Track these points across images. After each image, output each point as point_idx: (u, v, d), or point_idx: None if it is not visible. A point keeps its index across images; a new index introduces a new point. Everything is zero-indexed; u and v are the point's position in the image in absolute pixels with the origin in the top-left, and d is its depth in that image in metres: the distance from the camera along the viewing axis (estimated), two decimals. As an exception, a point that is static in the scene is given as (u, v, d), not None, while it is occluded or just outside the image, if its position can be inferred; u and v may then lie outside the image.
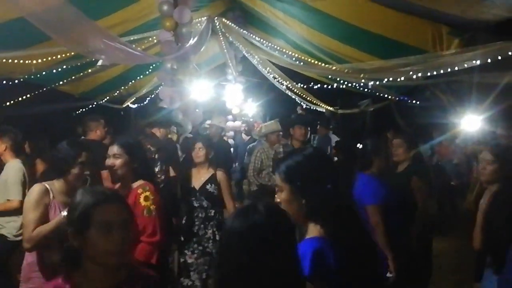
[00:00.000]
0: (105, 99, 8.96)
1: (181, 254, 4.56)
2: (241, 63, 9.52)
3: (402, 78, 5.22)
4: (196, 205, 4.55)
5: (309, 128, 5.42)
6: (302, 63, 6.91)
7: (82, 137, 5.64)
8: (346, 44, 6.19)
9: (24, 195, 4.37)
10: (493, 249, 2.98)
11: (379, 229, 3.57)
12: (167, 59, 5.80)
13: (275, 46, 7.08)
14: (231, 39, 7.66)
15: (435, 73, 4.73)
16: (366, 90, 8.30)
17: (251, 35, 7.21)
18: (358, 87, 8.19)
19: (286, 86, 9.90)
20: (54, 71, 5.99)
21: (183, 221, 4.62)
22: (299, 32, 6.67)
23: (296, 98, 11.00)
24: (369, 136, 4.58)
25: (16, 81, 6.00)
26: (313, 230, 1.83)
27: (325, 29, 6.13)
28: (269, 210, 1.53)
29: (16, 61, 5.09)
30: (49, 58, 5.49)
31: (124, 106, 9.78)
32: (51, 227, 2.77)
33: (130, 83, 8.74)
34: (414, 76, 4.94)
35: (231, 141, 9.56)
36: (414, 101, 8.50)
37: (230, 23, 7.33)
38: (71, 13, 3.30)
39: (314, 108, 11.96)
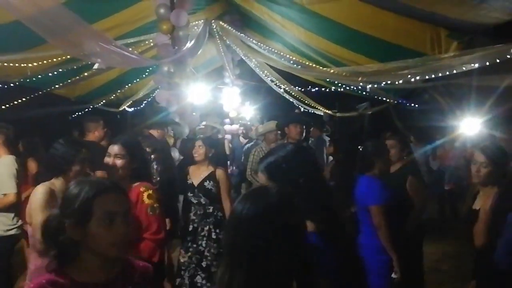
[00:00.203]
0: (102, 103, 8.95)
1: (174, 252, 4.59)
2: (239, 66, 9.53)
3: (401, 81, 5.23)
4: (194, 201, 4.58)
5: (304, 127, 5.38)
6: (299, 66, 6.92)
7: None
8: (344, 47, 6.20)
9: (18, 189, 4.40)
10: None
11: (382, 230, 3.59)
12: (164, 62, 5.79)
13: (273, 49, 7.08)
14: (228, 42, 7.67)
15: (433, 76, 4.73)
16: (364, 93, 8.32)
17: (249, 38, 7.22)
18: (356, 90, 8.21)
19: (284, 89, 9.92)
20: (50, 74, 5.99)
21: (180, 219, 4.65)
22: (297, 35, 6.68)
23: (294, 101, 11.02)
24: (369, 139, 4.59)
25: (12, 85, 6.00)
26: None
27: (323, 32, 6.13)
28: (279, 191, 1.52)
29: (11, 64, 5.08)
30: (45, 62, 5.48)
31: (120, 109, 9.77)
32: None
33: (127, 86, 8.74)
34: (413, 79, 4.95)
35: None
36: (412, 104, 8.51)
37: (227, 26, 7.34)
38: (67, 16, 3.30)
39: (312, 112, 11.99)
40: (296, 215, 1.50)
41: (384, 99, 8.79)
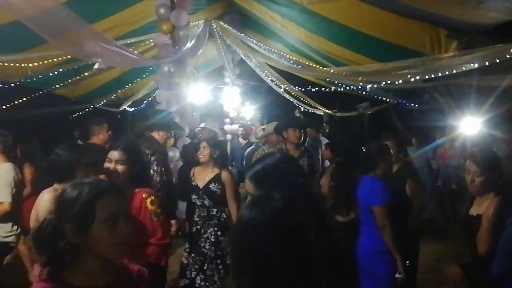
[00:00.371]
0: (102, 103, 8.96)
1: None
2: (239, 66, 9.54)
3: (401, 81, 5.22)
4: (198, 203, 4.57)
5: (303, 131, 5.36)
6: (300, 66, 6.93)
7: (79, 141, 5.62)
8: (344, 47, 6.20)
9: (14, 198, 4.33)
10: None
11: (386, 230, 3.61)
12: (164, 62, 5.80)
13: (273, 49, 7.09)
14: (228, 42, 7.67)
15: (433, 76, 4.73)
16: (364, 93, 8.32)
17: (249, 38, 7.22)
18: (356, 90, 8.21)
19: (284, 89, 9.92)
20: (50, 74, 6.00)
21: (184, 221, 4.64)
22: (297, 35, 6.69)
23: (294, 101, 11.02)
24: (369, 139, 4.62)
25: (12, 85, 6.00)
26: None
27: (323, 32, 6.14)
28: (285, 196, 1.53)
29: (12, 64, 5.09)
30: (45, 62, 5.49)
31: (121, 109, 9.78)
32: None
33: (127, 86, 8.75)
34: (412, 79, 4.94)
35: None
36: (412, 104, 8.51)
37: (227, 26, 7.35)
38: (67, 16, 3.30)
39: (313, 111, 11.99)
40: (303, 221, 1.51)
41: (384, 99, 8.80)
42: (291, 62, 6.88)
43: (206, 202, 4.52)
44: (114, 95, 8.93)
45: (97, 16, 5.42)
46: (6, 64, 5.01)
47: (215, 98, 9.43)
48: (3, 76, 5.74)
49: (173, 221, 4.75)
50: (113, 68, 7.09)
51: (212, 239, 4.45)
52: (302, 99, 10.67)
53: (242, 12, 7.74)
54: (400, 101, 8.61)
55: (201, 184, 4.57)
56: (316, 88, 9.74)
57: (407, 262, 3.71)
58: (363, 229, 3.88)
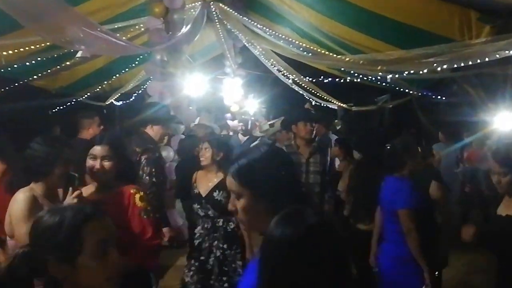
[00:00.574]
0: (86, 95, 8.97)
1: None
2: (241, 54, 9.55)
3: (425, 71, 5.22)
4: (201, 214, 4.54)
5: (315, 125, 5.36)
6: (310, 54, 6.92)
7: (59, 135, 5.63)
8: (360, 31, 6.19)
9: None
10: None
11: (412, 236, 3.63)
12: (156, 49, 5.81)
13: (280, 35, 7.08)
14: (229, 26, 7.68)
15: (462, 64, 4.72)
16: (384, 84, 8.30)
17: (252, 22, 7.22)
18: (375, 81, 8.19)
19: (293, 80, 9.91)
20: (28, 63, 6.01)
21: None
22: (307, 18, 6.68)
23: (304, 94, 11.01)
24: (389, 136, 4.62)
25: (-16, 75, 6.02)
26: None
27: (336, 15, 6.13)
28: (316, 213, 1.55)
29: (-17, 52, 5.10)
30: (22, 49, 5.50)
31: (107, 103, 9.80)
32: None
33: (114, 77, 8.77)
34: (439, 68, 4.94)
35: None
36: (439, 97, 8.49)
37: (227, 9, 7.34)
38: (46, -2, 3.31)
39: (325, 105, 11.97)
40: (341, 238, 1.53)
41: (407, 91, 8.78)
42: (301, 49, 6.87)
43: (210, 213, 4.48)
44: (100, 87, 8.95)
45: (80, -2, 5.43)
46: (-23, 52, 5.04)
47: (214, 90, 9.44)
48: (-26, 66, 5.76)
49: (165, 229, 4.73)
50: (98, 57, 7.11)
51: (218, 254, 4.42)
52: (313, 91, 10.66)
53: (244, -7, 7.76)
54: (424, 93, 8.58)
55: (203, 192, 4.54)
56: (329, 79, 9.73)
57: (436, 273, 3.72)
58: (387, 235, 3.89)
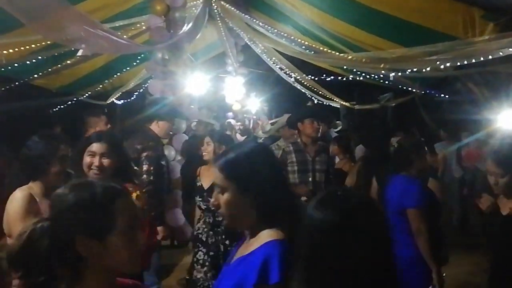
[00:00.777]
0: (87, 94, 8.98)
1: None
2: (243, 52, 9.52)
3: (428, 69, 5.20)
4: (203, 207, 4.57)
5: (320, 123, 5.35)
6: (313, 52, 6.90)
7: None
8: (363, 29, 6.19)
9: None
10: None
11: (421, 236, 3.63)
12: (158, 48, 5.81)
13: (282, 33, 7.07)
14: (231, 24, 7.67)
15: (466, 62, 4.71)
16: (386, 82, 8.29)
17: (254, 20, 7.21)
18: (377, 79, 8.18)
19: (295, 78, 9.91)
20: (28, 62, 6.01)
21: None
22: (309, 17, 6.67)
23: (306, 92, 11.01)
24: (402, 134, 4.65)
25: (-16, 75, 6.02)
26: (268, 234, 1.84)
27: (339, 13, 6.13)
28: (358, 194, 1.59)
29: (-17, 51, 5.10)
30: (22, 48, 5.50)
31: (108, 102, 9.80)
32: None
33: (115, 76, 8.77)
34: (442, 66, 4.92)
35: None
36: (442, 95, 8.48)
37: (229, 7, 7.33)
38: (47, -4, 3.31)
39: (328, 104, 11.97)
40: (383, 220, 1.54)
41: (410, 89, 8.76)
42: (303, 47, 6.86)
43: (212, 206, 4.50)
44: (101, 85, 8.95)
45: (81, -4, 5.43)
46: (-23, 51, 5.04)
47: (216, 89, 9.43)
48: (-26, 64, 5.76)
49: (159, 228, 4.72)
50: (99, 55, 7.10)
51: (222, 249, 4.42)
52: (315, 89, 10.65)
53: (246, -10, 7.75)
54: (428, 91, 8.57)
55: (206, 185, 4.59)
56: (332, 77, 9.73)
57: (444, 274, 3.72)
58: (394, 235, 3.89)
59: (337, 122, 12.05)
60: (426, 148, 4.43)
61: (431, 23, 5.23)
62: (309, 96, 11.26)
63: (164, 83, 5.97)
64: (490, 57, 4.35)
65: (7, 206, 2.91)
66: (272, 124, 8.94)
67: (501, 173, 3.07)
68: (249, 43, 8.45)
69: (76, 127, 6.01)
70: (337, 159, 6.66)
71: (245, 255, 1.86)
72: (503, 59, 4.40)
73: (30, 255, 1.45)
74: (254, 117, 10.47)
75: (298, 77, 9.69)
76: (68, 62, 6.79)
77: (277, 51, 8.19)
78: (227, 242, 4.41)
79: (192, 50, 7.48)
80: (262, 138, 9.07)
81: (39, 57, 5.97)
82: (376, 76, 7.88)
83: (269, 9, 7.68)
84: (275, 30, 7.08)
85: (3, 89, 6.77)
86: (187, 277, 4.73)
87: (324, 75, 9.75)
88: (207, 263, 4.48)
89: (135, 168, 4.55)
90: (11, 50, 5.38)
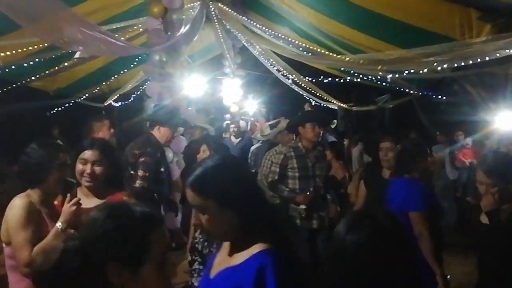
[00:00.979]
0: (84, 97, 8.97)
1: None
2: (240, 54, 9.53)
3: (426, 70, 5.21)
4: None
5: (321, 127, 5.34)
6: (310, 54, 6.91)
7: (58, 140, 5.61)
8: (361, 31, 6.19)
9: None
10: None
11: (424, 239, 3.62)
12: (155, 50, 5.80)
13: (279, 35, 7.07)
14: (228, 26, 7.67)
15: (463, 63, 4.72)
16: (384, 84, 8.30)
17: (252, 22, 7.21)
18: (375, 81, 8.19)
19: (292, 80, 9.90)
20: (25, 64, 6.00)
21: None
22: (307, 18, 6.68)
23: (304, 94, 11.01)
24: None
25: (-19, 77, 6.02)
26: (254, 244, 1.82)
27: (336, 15, 6.13)
28: (388, 216, 1.60)
29: (-20, 54, 5.10)
30: (19, 50, 5.50)
31: (105, 104, 9.79)
32: (50, 243, 2.72)
33: (113, 78, 8.76)
34: (439, 68, 4.94)
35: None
36: (439, 96, 8.49)
37: (227, 9, 7.34)
38: (44, -1, 3.31)
39: (325, 105, 11.97)
40: (409, 240, 1.56)
41: (407, 90, 8.78)
42: (300, 49, 6.86)
43: None
44: (98, 88, 8.94)
45: (78, -2, 5.43)
46: (-26, 53, 5.04)
47: (213, 91, 9.43)
48: (-29, 67, 5.76)
49: None
50: (97, 58, 7.10)
51: None
52: (313, 91, 10.64)
53: (243, -8, 7.75)
54: (425, 93, 8.58)
55: None
56: (329, 79, 9.73)
57: (448, 276, 3.71)
58: None
59: (333, 121, 12.07)
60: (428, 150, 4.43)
61: (428, 24, 5.24)
62: (306, 97, 11.26)
63: (162, 85, 5.97)
64: (487, 58, 4.36)
65: (7, 214, 2.88)
66: (270, 126, 8.93)
67: (491, 184, 3.05)
68: (246, 45, 8.45)
69: (74, 129, 5.99)
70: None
71: (233, 266, 1.83)
72: (500, 60, 4.41)
73: (60, 276, 1.39)
74: (252, 119, 10.48)
75: (296, 79, 9.69)
76: (66, 64, 6.79)
77: (274, 53, 8.19)
78: None
79: (189, 52, 7.47)
80: (260, 141, 9.06)
81: (37, 60, 5.97)
82: (373, 78, 7.88)
83: (266, 11, 7.69)
84: (273, 32, 7.08)
85: (0, 91, 6.76)
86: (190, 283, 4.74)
87: (322, 76, 9.76)
88: (201, 273, 4.48)
89: (131, 172, 4.55)
90: (8, 53, 5.38)
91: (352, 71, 7.84)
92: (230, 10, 7.32)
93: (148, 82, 6.57)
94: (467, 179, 8.06)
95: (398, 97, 10.20)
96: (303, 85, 10.12)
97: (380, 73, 6.49)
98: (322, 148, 5.47)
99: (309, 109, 11.37)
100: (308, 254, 5.06)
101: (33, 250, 2.74)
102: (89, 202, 2.99)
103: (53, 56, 6.15)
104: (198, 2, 7.01)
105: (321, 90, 10.61)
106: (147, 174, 4.56)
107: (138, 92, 9.66)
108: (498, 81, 6.21)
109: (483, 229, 3.17)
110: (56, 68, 6.88)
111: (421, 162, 3.92)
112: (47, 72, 6.97)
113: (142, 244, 1.41)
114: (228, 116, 9.86)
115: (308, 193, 5.01)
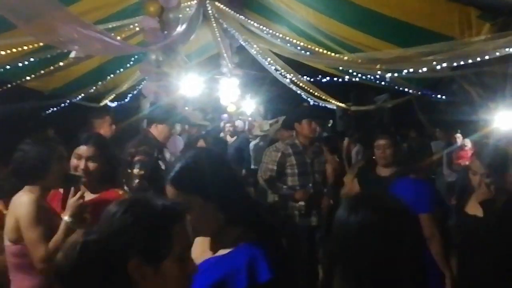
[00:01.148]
0: (80, 97, 8.95)
1: None
2: (238, 53, 9.53)
3: (425, 69, 5.22)
4: None
5: (318, 123, 5.33)
6: (308, 53, 6.91)
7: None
8: (359, 30, 6.20)
9: None
10: None
11: (436, 241, 3.58)
12: (152, 49, 5.80)
13: (277, 34, 7.08)
14: (225, 25, 7.67)
15: (462, 63, 4.73)
16: (383, 83, 8.31)
17: (249, 21, 7.21)
18: (373, 80, 8.20)
19: (290, 79, 9.92)
20: (20, 64, 5.99)
21: None
22: (305, 17, 6.68)
23: (302, 94, 11.02)
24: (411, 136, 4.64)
25: (-25, 77, 6.00)
26: (240, 235, 1.82)
27: (334, 14, 6.13)
28: (391, 196, 1.63)
29: (-26, 53, 5.08)
30: (14, 50, 5.48)
31: (102, 104, 9.78)
32: (62, 237, 2.73)
33: (109, 77, 8.74)
34: (439, 67, 4.94)
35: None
36: (438, 96, 8.50)
37: (224, 7, 7.34)
38: (39, -2, 3.30)
39: (324, 105, 11.99)
40: (415, 221, 1.57)
41: (406, 90, 8.79)
42: (299, 48, 6.87)
43: None
44: (94, 88, 8.92)
45: (74, -3, 5.42)
46: (-32, 53, 5.02)
47: (211, 90, 9.42)
48: (-35, 67, 5.74)
49: None
50: (93, 57, 7.08)
51: None
52: (311, 91, 10.66)
53: (241, -9, 7.75)
54: (424, 92, 8.59)
55: None
56: (328, 78, 9.74)
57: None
58: None
59: (329, 120, 12.09)
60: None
61: (427, 23, 5.25)
62: (304, 97, 11.28)
63: (158, 84, 5.96)
64: (486, 57, 4.37)
65: (14, 212, 2.84)
66: (271, 124, 8.94)
67: (486, 174, 3.06)
68: (244, 44, 8.45)
69: (70, 130, 5.95)
70: None
71: (218, 257, 1.82)
72: (499, 59, 4.41)
73: (79, 270, 1.34)
74: (250, 118, 10.48)
75: (294, 78, 9.70)
76: (61, 64, 6.77)
77: (272, 52, 8.19)
78: None
79: (186, 51, 7.47)
80: (259, 137, 9.07)
81: (32, 59, 5.95)
82: (372, 77, 7.89)
83: (264, 9, 7.69)
84: (270, 31, 7.09)
85: (-5, 91, 6.75)
86: None
87: (320, 76, 9.77)
88: None
89: (129, 170, 4.53)
90: (3, 52, 5.36)
91: (350, 71, 7.85)
92: (227, 9, 7.32)
93: (145, 81, 6.56)
94: (463, 181, 8.04)
95: (397, 96, 10.23)
96: (301, 84, 10.14)
97: (379, 72, 6.50)
98: (319, 144, 5.47)
99: (305, 104, 11.41)
100: (307, 251, 5.07)
101: (49, 245, 2.74)
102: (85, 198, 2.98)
103: (49, 56, 6.14)
104: (195, 1, 7.01)
105: (319, 90, 10.63)
106: (142, 173, 4.53)
107: (135, 92, 9.66)
108: (497, 81, 6.21)
109: (470, 220, 3.16)
110: (52, 67, 6.85)
111: (426, 162, 3.90)
112: (42, 72, 6.95)
113: (163, 239, 1.38)
114: (225, 115, 9.86)
115: (307, 189, 5.01)
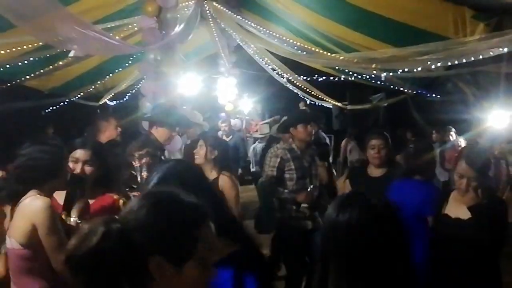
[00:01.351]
0: (79, 96, 8.95)
1: None
2: (235, 53, 9.53)
3: (420, 69, 5.23)
4: None
5: (313, 125, 5.33)
6: (305, 53, 6.92)
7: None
8: (355, 30, 6.20)
9: None
10: None
11: None
12: (150, 49, 5.80)
13: (274, 34, 7.08)
14: (223, 25, 7.66)
15: (457, 62, 4.74)
16: (378, 82, 8.32)
17: (247, 20, 7.21)
18: (369, 79, 8.21)
19: (287, 79, 9.92)
20: (20, 64, 5.98)
21: None
22: (302, 17, 6.68)
23: (299, 93, 11.02)
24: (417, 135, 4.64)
25: (-25, 76, 6.00)
26: (224, 246, 1.77)
27: (330, 14, 6.14)
28: (379, 197, 1.63)
29: (-26, 53, 5.08)
30: (14, 49, 5.48)
31: (100, 103, 9.77)
32: None
33: (108, 77, 8.74)
34: (433, 66, 4.95)
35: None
36: (433, 95, 8.51)
37: (221, 7, 7.33)
38: (38, -3, 3.30)
39: (320, 104, 11.99)
40: (400, 222, 1.58)
41: (401, 89, 8.80)
42: (295, 48, 6.87)
43: None
44: (93, 87, 8.92)
45: (73, -3, 5.41)
46: (-32, 52, 5.02)
47: (208, 89, 9.42)
48: (-35, 66, 5.74)
49: None
50: (92, 57, 7.08)
51: None
52: (307, 90, 10.66)
53: (238, -9, 7.75)
54: (419, 91, 8.60)
55: None
56: (324, 78, 9.75)
57: None
58: (412, 240, 3.81)
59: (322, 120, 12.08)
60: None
61: (422, 23, 5.25)
62: (301, 96, 11.28)
63: (156, 84, 5.96)
64: (480, 56, 4.37)
65: (29, 217, 2.68)
66: (270, 126, 8.95)
67: (473, 177, 3.05)
68: (241, 44, 8.45)
69: (69, 128, 5.96)
70: None
71: None
72: (493, 58, 4.43)
73: (100, 260, 1.25)
74: (247, 117, 10.48)
75: (290, 78, 9.70)
76: (60, 63, 6.77)
77: (269, 51, 8.19)
78: None
79: (184, 51, 7.46)
80: (258, 140, 9.08)
81: (31, 58, 5.95)
82: (368, 76, 7.90)
83: (261, 10, 7.69)
84: (267, 31, 7.09)
85: (-6, 91, 6.75)
86: None
87: (316, 75, 9.78)
88: None
89: (132, 172, 4.51)
90: (2, 51, 5.36)
91: (346, 70, 7.86)
92: (224, 9, 7.31)
93: (143, 81, 6.56)
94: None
95: (393, 95, 10.23)
96: (297, 83, 10.13)
97: (374, 72, 6.51)
98: (315, 147, 5.46)
99: (304, 108, 11.40)
100: (306, 255, 5.07)
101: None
102: (81, 201, 2.96)
103: (48, 55, 6.14)
104: (193, 1, 7.00)
105: (316, 89, 10.62)
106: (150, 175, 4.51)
107: (133, 91, 9.64)
108: (491, 80, 6.23)
109: (451, 223, 3.16)
110: (51, 67, 6.85)
111: (430, 163, 3.88)
112: (41, 71, 6.94)
113: (188, 240, 1.31)
114: (223, 115, 9.86)
115: (309, 190, 4.99)
